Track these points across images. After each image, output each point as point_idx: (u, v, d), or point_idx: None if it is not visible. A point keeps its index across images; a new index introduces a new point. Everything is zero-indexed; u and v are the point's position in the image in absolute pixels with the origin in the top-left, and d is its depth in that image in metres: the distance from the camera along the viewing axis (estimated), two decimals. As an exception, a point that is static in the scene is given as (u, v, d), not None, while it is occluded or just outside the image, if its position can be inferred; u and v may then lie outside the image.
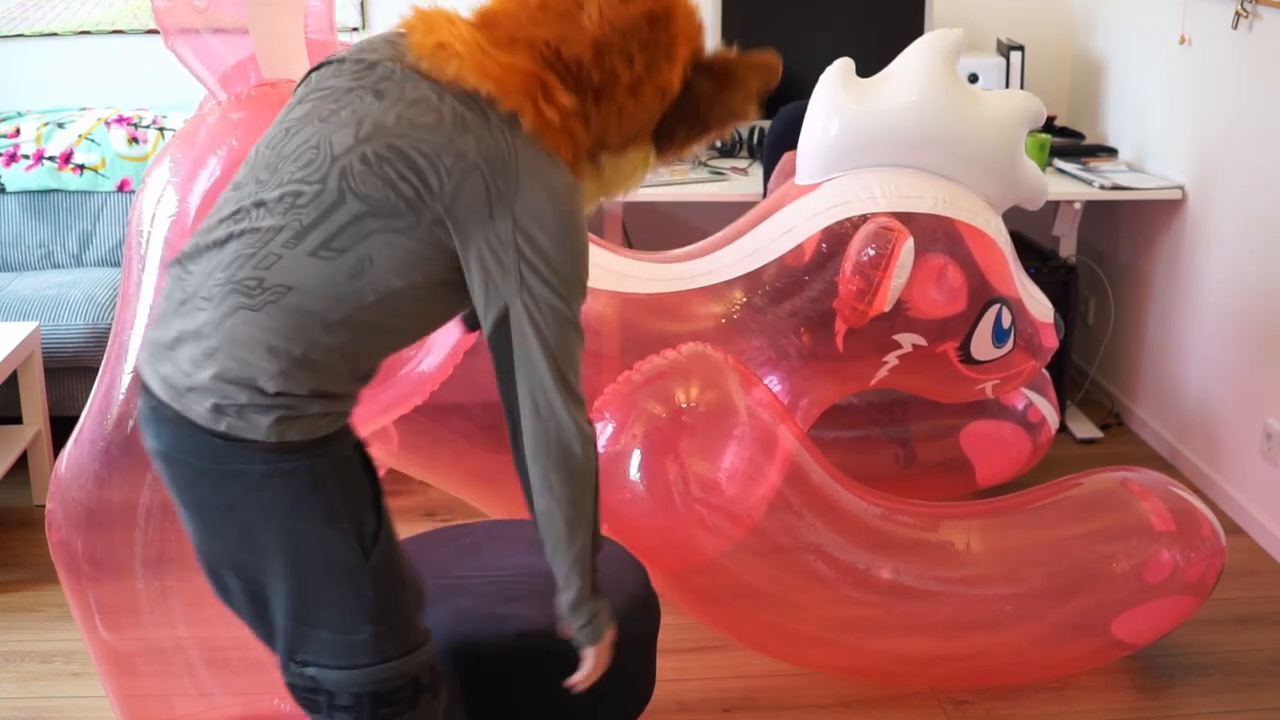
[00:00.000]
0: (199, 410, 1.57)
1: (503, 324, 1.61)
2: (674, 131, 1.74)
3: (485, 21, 1.66)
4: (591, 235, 2.71)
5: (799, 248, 2.59)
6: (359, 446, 1.69)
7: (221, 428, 1.56)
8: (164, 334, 1.63)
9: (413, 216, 1.58)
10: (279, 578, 1.63)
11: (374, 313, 1.61)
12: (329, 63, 1.73)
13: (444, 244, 1.60)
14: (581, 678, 1.82)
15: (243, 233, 1.61)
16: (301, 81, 1.76)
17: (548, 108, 1.60)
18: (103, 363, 2.26)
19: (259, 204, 1.62)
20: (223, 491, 1.60)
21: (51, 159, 3.86)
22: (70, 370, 3.46)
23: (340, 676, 1.65)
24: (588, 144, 1.67)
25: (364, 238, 1.58)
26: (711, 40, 3.89)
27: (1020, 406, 3.17)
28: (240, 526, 1.62)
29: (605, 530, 2.43)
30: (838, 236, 2.55)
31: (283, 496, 1.59)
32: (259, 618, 1.69)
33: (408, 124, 1.59)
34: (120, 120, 3.91)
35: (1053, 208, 3.76)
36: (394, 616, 1.67)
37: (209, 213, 1.71)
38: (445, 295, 1.66)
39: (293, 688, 1.69)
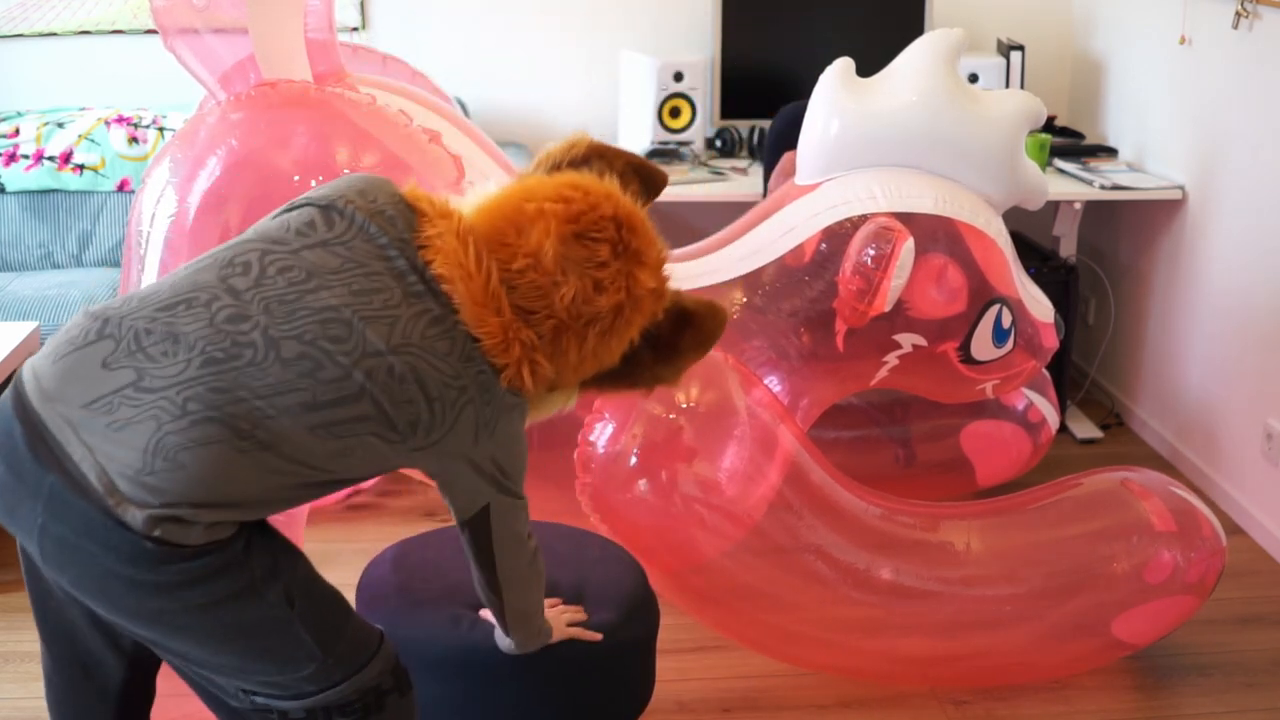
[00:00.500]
0: (134, 515, 1.48)
1: (484, 512, 1.76)
2: (601, 383, 1.81)
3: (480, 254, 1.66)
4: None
5: (799, 248, 2.59)
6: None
7: (156, 534, 1.49)
8: (105, 408, 1.51)
9: (400, 435, 1.61)
10: (202, 649, 1.60)
11: (330, 480, 1.64)
12: (347, 215, 1.68)
13: (413, 461, 1.69)
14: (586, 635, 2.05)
15: (247, 365, 1.54)
16: (314, 205, 1.70)
17: (529, 376, 1.66)
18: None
19: (271, 342, 1.55)
20: (136, 589, 1.52)
21: (51, 159, 3.86)
22: (70, 370, 3.46)
23: (289, 705, 1.63)
24: None
25: (358, 435, 1.59)
26: (712, 39, 3.92)
27: (1020, 406, 3.17)
28: (153, 613, 1.55)
29: (605, 531, 2.44)
30: (838, 236, 2.55)
31: (207, 591, 1.54)
32: (174, 665, 1.67)
33: (429, 348, 1.61)
34: (120, 120, 3.91)
35: (1053, 208, 3.76)
36: (335, 645, 1.64)
37: (169, 278, 1.65)
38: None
39: (239, 713, 1.65)
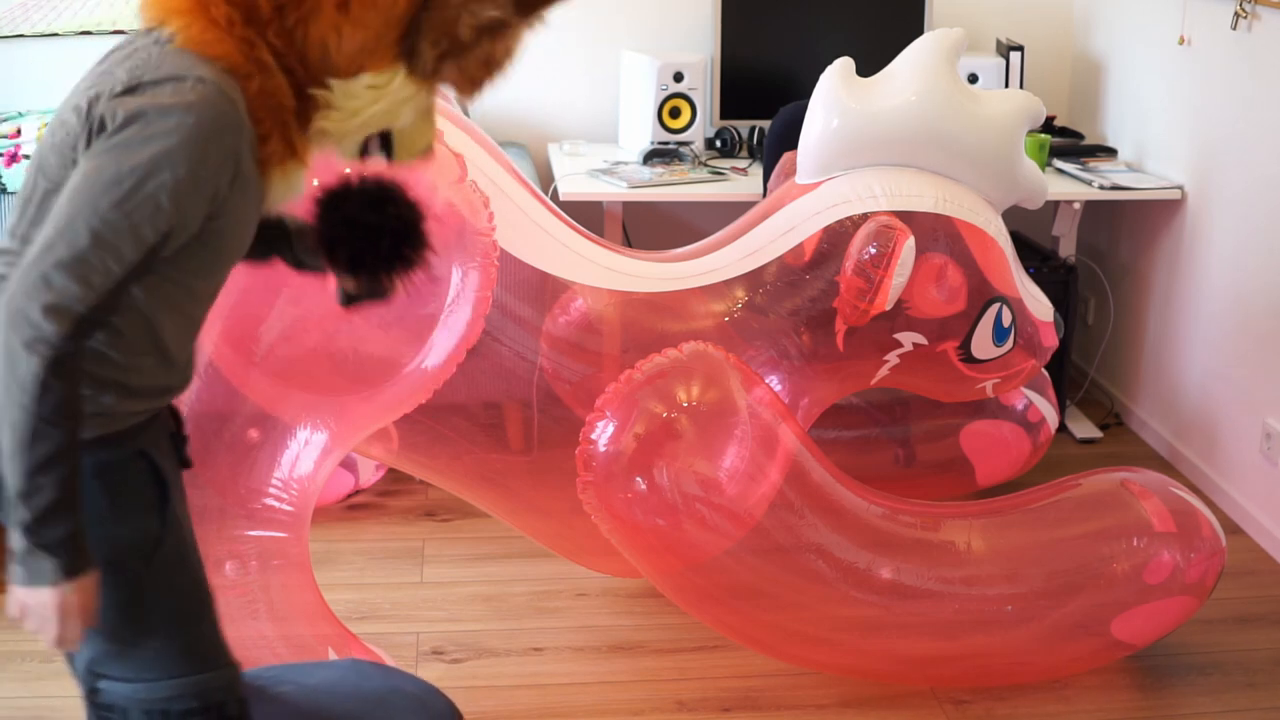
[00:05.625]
0: None
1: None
2: (420, 51, 1.55)
3: None
4: (593, 235, 2.73)
5: (799, 247, 2.59)
6: (144, 453, 1.58)
7: None
8: None
9: (76, 143, 1.49)
10: None
11: None
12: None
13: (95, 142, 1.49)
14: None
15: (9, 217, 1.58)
16: None
17: (196, 22, 1.47)
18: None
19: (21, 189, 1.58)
20: None
21: (52, 159, 3.86)
22: (70, 370, 3.45)
23: (126, 690, 1.58)
24: (300, 72, 1.52)
25: (44, 205, 1.52)
26: (712, 39, 3.92)
27: (1020, 406, 3.17)
28: None
29: (605, 530, 2.43)
30: (838, 235, 2.55)
31: None
32: None
33: (86, 76, 1.55)
34: (120, 120, 3.91)
35: (1052, 208, 3.76)
36: (181, 632, 1.60)
37: None
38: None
39: (90, 705, 1.61)
